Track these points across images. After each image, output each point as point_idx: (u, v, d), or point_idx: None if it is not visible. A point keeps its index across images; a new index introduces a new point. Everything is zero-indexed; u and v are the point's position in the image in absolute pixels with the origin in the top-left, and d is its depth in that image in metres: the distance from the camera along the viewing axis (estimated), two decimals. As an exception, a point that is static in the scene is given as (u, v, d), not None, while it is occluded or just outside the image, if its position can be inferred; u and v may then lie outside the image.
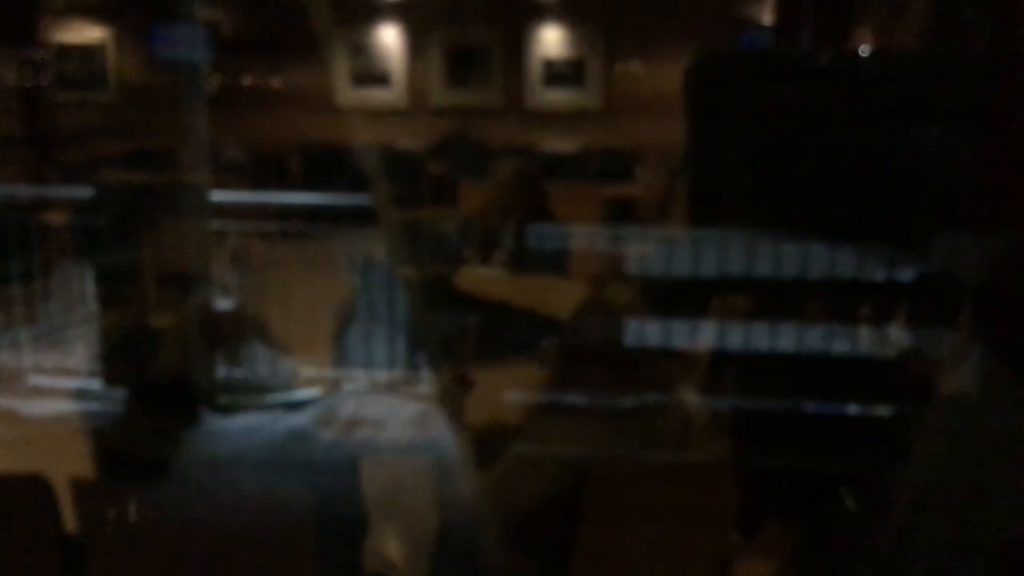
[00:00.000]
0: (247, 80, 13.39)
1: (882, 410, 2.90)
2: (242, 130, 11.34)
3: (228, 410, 3.45)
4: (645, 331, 2.62)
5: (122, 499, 2.44)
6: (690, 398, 2.57)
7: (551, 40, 12.90)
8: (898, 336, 3.19)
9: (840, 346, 3.15)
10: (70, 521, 2.37)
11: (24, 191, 7.23)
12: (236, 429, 3.24)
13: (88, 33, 13.21)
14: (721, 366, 2.97)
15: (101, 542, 2.40)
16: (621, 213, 8.21)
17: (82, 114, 12.08)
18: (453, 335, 4.49)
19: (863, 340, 3.19)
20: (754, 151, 4.33)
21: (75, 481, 2.33)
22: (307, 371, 4.80)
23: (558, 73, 12.84)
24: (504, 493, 2.48)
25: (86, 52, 13.15)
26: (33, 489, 2.30)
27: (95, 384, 5.00)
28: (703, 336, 3.12)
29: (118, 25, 13.16)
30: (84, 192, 5.83)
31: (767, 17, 11.68)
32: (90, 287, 6.21)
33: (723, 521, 2.51)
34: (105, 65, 13.27)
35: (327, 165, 11.25)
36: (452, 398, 3.06)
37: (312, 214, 6.27)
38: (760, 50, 10.97)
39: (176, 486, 2.63)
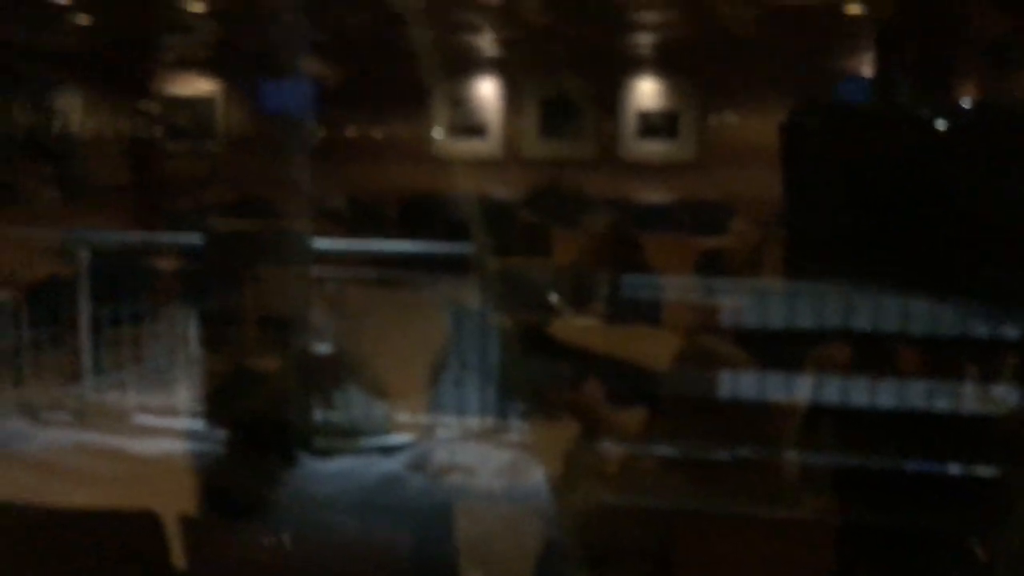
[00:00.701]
0: (349, 131, 13.75)
1: (983, 470, 2.82)
2: (342, 179, 11.63)
3: (324, 453, 3.51)
4: (740, 383, 2.60)
5: (228, 536, 2.50)
6: (786, 452, 2.53)
7: (646, 92, 12.96)
8: (1003, 395, 3.10)
9: (942, 403, 3.07)
10: (177, 556, 2.44)
11: (134, 237, 7.50)
12: (331, 472, 3.30)
13: (199, 86, 13.75)
14: (818, 420, 2.93)
15: (205, 577, 2.46)
16: (715, 264, 8.15)
17: (191, 163, 12.54)
18: (552, 383, 4.50)
19: (966, 398, 3.11)
20: (853, 203, 4.27)
21: (183, 517, 2.40)
22: (401, 416, 4.87)
23: (652, 124, 12.88)
24: (594, 542, 2.47)
25: (196, 104, 13.68)
26: (144, 525, 2.37)
27: (198, 424, 5.15)
28: (800, 389, 3.07)
29: (228, 79, 13.68)
30: (191, 238, 6.03)
31: (866, 68, 11.55)
32: (194, 329, 6.41)
33: (818, 580, 2.46)
34: (214, 117, 13.78)
35: (423, 214, 11.45)
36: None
37: (408, 262, 6.38)
38: (860, 102, 10.85)
39: (276, 525, 2.69)
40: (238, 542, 2.49)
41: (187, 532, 2.36)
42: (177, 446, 5.23)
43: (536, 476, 3.24)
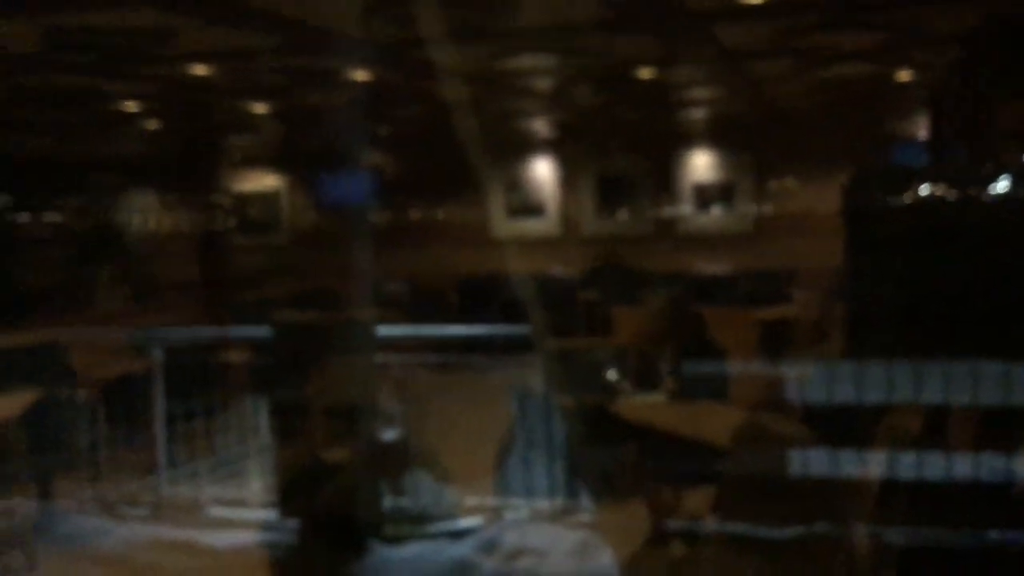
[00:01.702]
0: (408, 217, 14.00)
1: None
2: (403, 265, 11.82)
3: (395, 540, 3.54)
4: (809, 459, 2.59)
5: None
6: (858, 530, 2.50)
7: (700, 165, 13.03)
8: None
9: (1019, 474, 3.01)
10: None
11: (204, 332, 7.68)
12: (402, 559, 3.31)
13: (264, 181, 14.15)
14: (890, 496, 2.88)
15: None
16: (777, 337, 8.08)
17: (257, 256, 12.84)
18: (617, 464, 4.48)
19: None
20: (917, 270, 4.24)
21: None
22: (469, 500, 4.87)
23: (708, 197, 12.92)
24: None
25: (261, 199, 14.07)
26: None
27: (270, 515, 5.20)
28: (870, 465, 3.04)
29: (291, 173, 14.06)
30: (259, 331, 6.16)
31: (920, 133, 11.51)
32: (263, 421, 6.51)
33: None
34: (279, 210, 14.15)
35: (484, 296, 11.56)
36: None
37: (470, 345, 6.44)
38: (916, 166, 10.79)
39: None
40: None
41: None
42: (251, 537, 5.28)
43: (607, 558, 3.22)
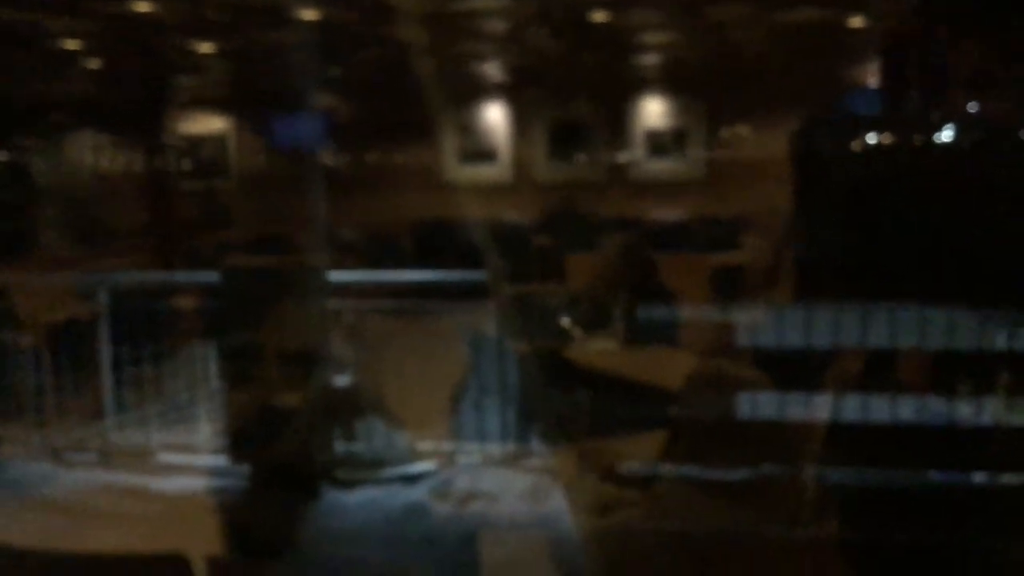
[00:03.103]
0: (361, 161, 13.85)
1: (1009, 479, 2.80)
2: (357, 211, 11.70)
3: (347, 485, 3.53)
4: (758, 403, 2.61)
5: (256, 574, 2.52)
6: (807, 471, 2.53)
7: (653, 111, 13.02)
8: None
9: (966, 415, 3.07)
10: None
11: (153, 277, 7.56)
12: (355, 504, 3.31)
13: (211, 124, 13.88)
14: (838, 438, 2.92)
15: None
16: (729, 282, 8.14)
17: (206, 201, 12.65)
18: (569, 408, 4.51)
19: (991, 409, 3.10)
20: (864, 216, 4.26)
21: (212, 559, 2.42)
22: (423, 445, 4.87)
23: (661, 143, 12.93)
24: (618, 566, 2.47)
25: (210, 141, 13.82)
26: (173, 568, 2.39)
27: (221, 461, 5.17)
28: (818, 408, 3.07)
29: (240, 116, 13.80)
30: (209, 276, 6.06)
31: (872, 80, 11.57)
32: (214, 367, 6.44)
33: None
34: (227, 154, 13.91)
35: (437, 242, 11.50)
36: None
37: (424, 290, 6.40)
38: (868, 113, 10.85)
39: (302, 562, 2.71)
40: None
41: (212, 573, 2.38)
42: (201, 484, 5.25)
43: (559, 501, 3.24)
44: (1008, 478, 2.84)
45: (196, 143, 13.67)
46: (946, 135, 4.63)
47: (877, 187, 4.34)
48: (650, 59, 11.65)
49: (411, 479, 3.82)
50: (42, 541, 2.91)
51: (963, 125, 4.62)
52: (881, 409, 3.16)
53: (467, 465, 4.95)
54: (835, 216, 4.46)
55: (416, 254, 11.39)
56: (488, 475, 4.50)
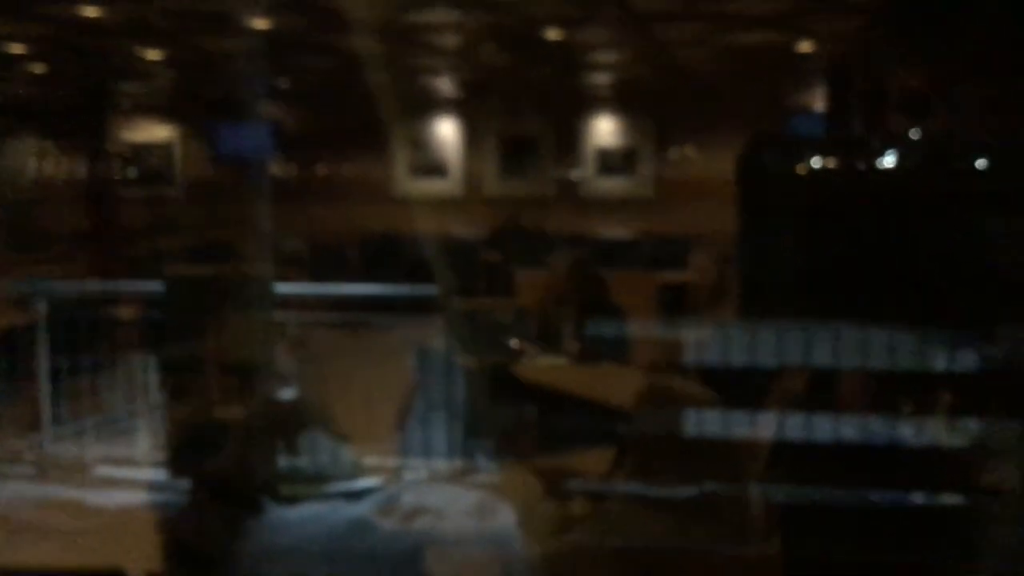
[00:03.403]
0: (309, 172, 13.74)
1: (951, 501, 2.84)
2: (304, 222, 11.60)
3: (290, 500, 3.48)
4: (705, 420, 2.62)
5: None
6: (752, 489, 2.54)
7: (603, 130, 13.11)
8: (969, 426, 3.14)
9: (907, 436, 3.10)
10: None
11: (93, 286, 7.43)
12: (298, 519, 3.27)
13: (156, 132, 13.69)
14: (782, 456, 2.94)
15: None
16: (675, 300, 8.21)
17: (149, 209, 12.45)
18: (517, 425, 4.49)
19: (933, 430, 3.14)
20: (809, 237, 4.32)
21: (151, 575, 2.37)
22: (368, 460, 4.82)
23: (611, 162, 13.01)
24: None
25: (154, 150, 13.62)
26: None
27: (160, 475, 5.07)
28: (763, 426, 3.09)
29: (185, 124, 13.64)
30: (151, 286, 5.97)
31: (818, 104, 11.76)
32: (154, 378, 6.33)
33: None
34: (172, 162, 13.71)
35: (385, 255, 11.44)
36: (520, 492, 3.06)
37: (371, 304, 6.36)
38: (813, 136, 11.02)
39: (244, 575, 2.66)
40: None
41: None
42: (140, 498, 5.14)
43: (506, 518, 3.22)
44: (948, 498, 2.87)
45: (141, 150, 13.47)
46: (888, 159, 4.71)
47: (821, 209, 4.39)
48: (601, 77, 11.73)
49: (356, 495, 3.77)
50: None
51: (904, 149, 4.70)
52: (823, 428, 3.19)
53: (413, 481, 4.91)
54: (779, 236, 4.51)
55: (363, 267, 11.33)
56: (434, 491, 4.46)
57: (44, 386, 6.05)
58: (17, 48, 9.06)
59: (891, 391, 3.33)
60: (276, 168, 12.81)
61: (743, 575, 2.39)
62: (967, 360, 3.17)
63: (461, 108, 13.37)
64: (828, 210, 4.31)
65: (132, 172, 13.12)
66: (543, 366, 5.02)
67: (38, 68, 10.32)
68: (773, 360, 3.77)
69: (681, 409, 2.44)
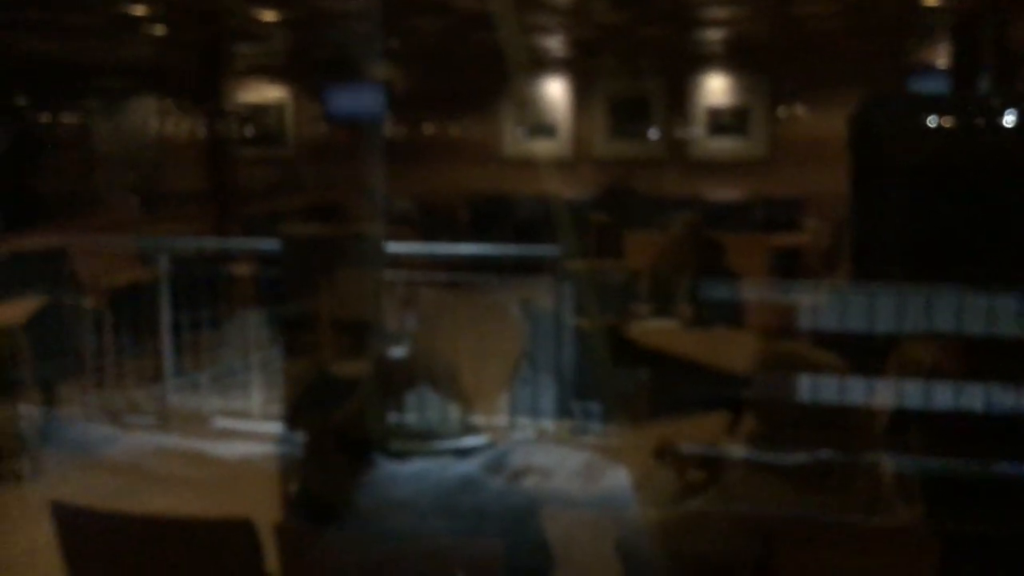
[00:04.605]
0: (420, 133, 13.83)
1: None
2: (414, 183, 11.71)
3: (401, 456, 3.52)
4: (825, 387, 2.55)
5: (321, 542, 2.52)
6: (880, 457, 2.47)
7: (715, 88, 12.82)
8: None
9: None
10: (271, 563, 2.47)
11: (210, 243, 7.63)
12: (408, 475, 3.30)
13: (269, 93, 13.96)
14: (907, 424, 2.85)
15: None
16: (788, 263, 8.01)
17: (264, 170, 12.72)
18: (628, 387, 4.45)
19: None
20: (926, 199, 4.15)
21: (278, 526, 2.42)
22: (476, 418, 4.86)
23: (722, 122, 12.73)
24: (683, 549, 2.43)
25: (267, 111, 13.89)
26: (241, 533, 2.40)
27: (276, 427, 5.21)
28: (885, 393, 3.00)
29: (298, 85, 13.86)
30: (267, 244, 6.10)
31: (939, 60, 11.28)
32: (269, 334, 6.49)
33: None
34: (284, 123, 13.97)
35: (494, 215, 11.47)
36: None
37: (480, 264, 6.38)
38: (934, 94, 10.59)
39: (362, 529, 2.70)
40: (325, 546, 2.51)
41: (282, 539, 2.38)
42: (257, 448, 5.30)
43: (616, 480, 3.20)
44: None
45: (255, 111, 13.75)
46: (1008, 119, 4.48)
47: (936, 169, 4.22)
48: (714, 34, 11.44)
49: (464, 452, 3.79)
50: (101, 501, 2.94)
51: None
52: (944, 396, 3.07)
53: (521, 440, 4.94)
54: (893, 198, 4.34)
55: (473, 227, 11.37)
56: (542, 451, 4.48)
57: (166, 339, 6.26)
58: (139, 11, 9.31)
59: (1017, 358, 3.19)
60: (387, 128, 12.92)
61: (870, 545, 2.32)
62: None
63: (571, 67, 13.24)
64: (944, 171, 4.14)
65: (248, 132, 13.42)
66: (655, 329, 4.96)
67: (159, 30, 10.59)
68: (889, 325, 3.66)
69: (805, 374, 2.38)
